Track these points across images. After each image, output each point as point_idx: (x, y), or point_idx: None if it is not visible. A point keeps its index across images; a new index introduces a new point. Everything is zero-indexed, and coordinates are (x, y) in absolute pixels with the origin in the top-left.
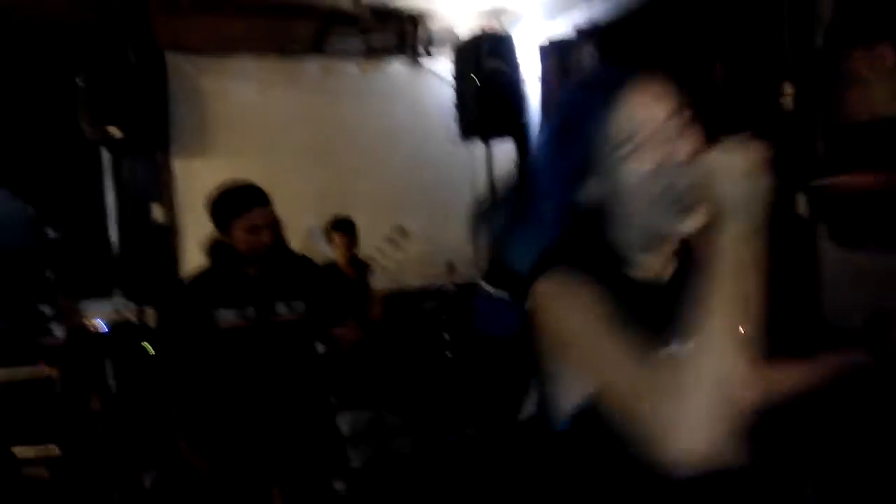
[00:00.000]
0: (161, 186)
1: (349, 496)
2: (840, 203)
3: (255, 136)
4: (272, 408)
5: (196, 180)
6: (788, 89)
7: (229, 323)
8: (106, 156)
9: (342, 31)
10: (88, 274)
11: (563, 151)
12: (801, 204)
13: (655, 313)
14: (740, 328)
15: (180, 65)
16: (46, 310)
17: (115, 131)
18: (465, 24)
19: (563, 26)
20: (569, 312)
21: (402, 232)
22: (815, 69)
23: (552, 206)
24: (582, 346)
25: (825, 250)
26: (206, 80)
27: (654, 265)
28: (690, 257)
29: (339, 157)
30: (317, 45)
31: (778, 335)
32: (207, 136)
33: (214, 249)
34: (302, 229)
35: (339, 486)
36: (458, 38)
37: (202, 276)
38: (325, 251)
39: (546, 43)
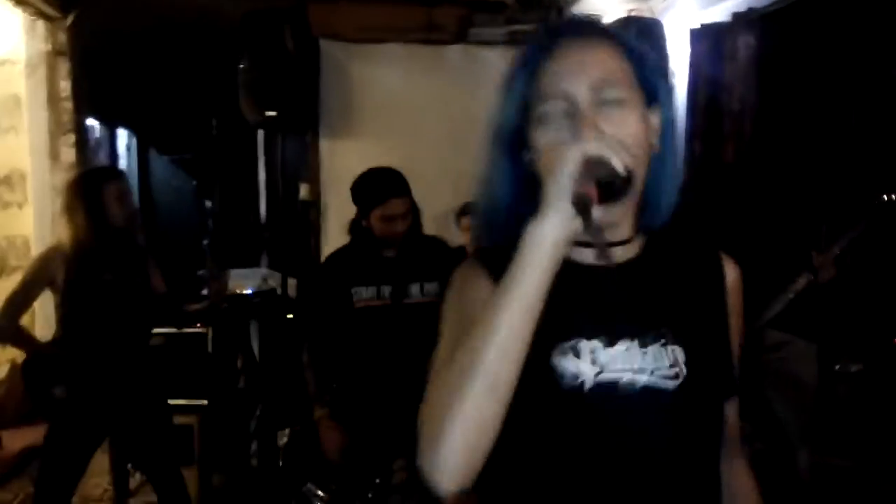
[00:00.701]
0: (308, 165)
1: None
2: None
3: (398, 120)
4: (402, 385)
5: (341, 161)
6: None
7: (364, 301)
8: (260, 136)
9: (486, 18)
10: (239, 244)
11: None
12: None
13: (601, 300)
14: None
15: (332, 51)
16: (202, 274)
17: (272, 114)
18: (614, 11)
19: (718, 14)
20: (445, 308)
21: None
22: None
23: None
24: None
25: None
26: (354, 65)
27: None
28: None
29: (478, 142)
30: (461, 33)
31: None
32: (353, 119)
33: (354, 229)
34: (439, 213)
35: None
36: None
37: (340, 254)
38: (457, 236)
39: (698, 27)
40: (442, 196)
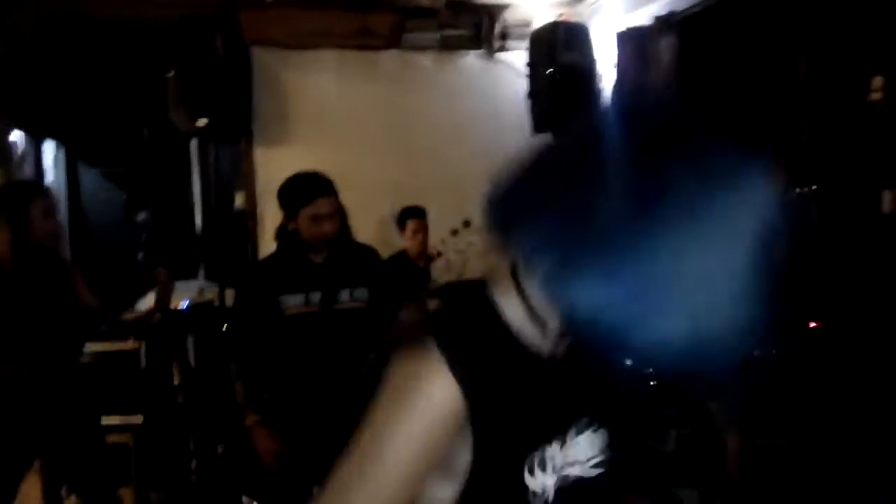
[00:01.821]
0: (242, 174)
1: None
2: None
3: (333, 126)
4: (334, 391)
5: (276, 169)
6: (878, 83)
7: (293, 308)
8: (194, 146)
9: (419, 24)
10: (174, 256)
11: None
12: (887, 202)
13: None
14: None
15: (264, 58)
16: (134, 288)
17: (203, 122)
18: (542, 16)
19: (642, 17)
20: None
21: (467, 225)
22: None
23: None
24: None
25: None
26: (287, 72)
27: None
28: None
29: (414, 148)
30: (394, 39)
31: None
32: (288, 126)
33: (282, 236)
34: (375, 218)
35: None
36: (534, 29)
37: (269, 261)
38: (397, 239)
39: (623, 31)
40: (378, 201)
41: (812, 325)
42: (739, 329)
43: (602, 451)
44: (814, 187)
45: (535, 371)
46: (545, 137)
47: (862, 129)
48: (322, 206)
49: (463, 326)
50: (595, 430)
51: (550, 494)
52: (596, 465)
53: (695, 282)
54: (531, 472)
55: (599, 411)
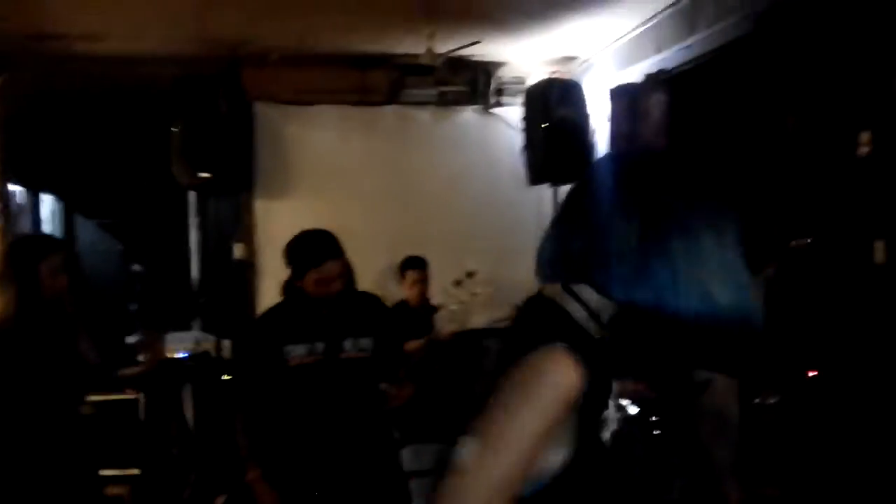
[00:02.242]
0: (243, 226)
1: None
2: None
3: (333, 180)
4: (338, 441)
5: (276, 221)
6: (865, 138)
7: (298, 358)
8: (192, 197)
9: (417, 81)
10: (170, 307)
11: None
12: (880, 253)
13: None
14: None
15: (266, 113)
16: (132, 340)
17: (205, 176)
18: (536, 73)
19: (632, 75)
20: (520, 403)
21: (470, 275)
22: (893, 117)
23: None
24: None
25: None
26: (289, 127)
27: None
28: None
29: (412, 200)
30: (393, 95)
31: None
32: (288, 179)
33: (288, 290)
34: (375, 270)
35: None
36: (528, 86)
37: (273, 312)
38: (397, 290)
39: (616, 87)
40: (378, 254)
41: (810, 373)
42: (726, 306)
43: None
44: (808, 240)
45: (600, 353)
46: (541, 188)
47: (852, 183)
48: (330, 269)
49: (562, 329)
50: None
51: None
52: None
53: (686, 277)
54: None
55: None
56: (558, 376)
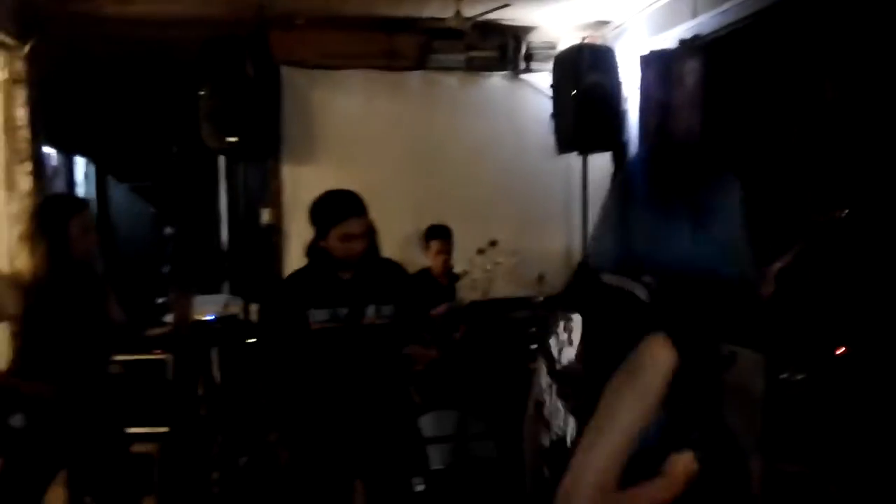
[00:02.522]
0: (270, 191)
1: (428, 495)
2: None
3: (360, 145)
4: (358, 405)
5: (303, 186)
6: None
7: (320, 322)
8: (221, 162)
9: (445, 45)
10: (200, 270)
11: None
12: None
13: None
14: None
15: (293, 77)
16: (162, 301)
17: (233, 140)
18: (567, 38)
19: (667, 41)
20: (633, 386)
21: (493, 244)
22: None
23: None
24: (609, 411)
25: None
26: (315, 91)
27: None
28: None
29: (438, 167)
30: (421, 60)
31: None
32: (315, 144)
33: (312, 252)
34: (400, 236)
35: (418, 484)
36: (559, 51)
37: (297, 276)
38: (421, 257)
39: (648, 54)
40: (403, 220)
41: (839, 351)
42: (734, 262)
43: None
44: (846, 211)
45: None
46: (569, 157)
47: (892, 152)
48: (353, 226)
49: (670, 315)
50: None
51: None
52: None
53: (700, 245)
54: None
55: None
56: (661, 362)
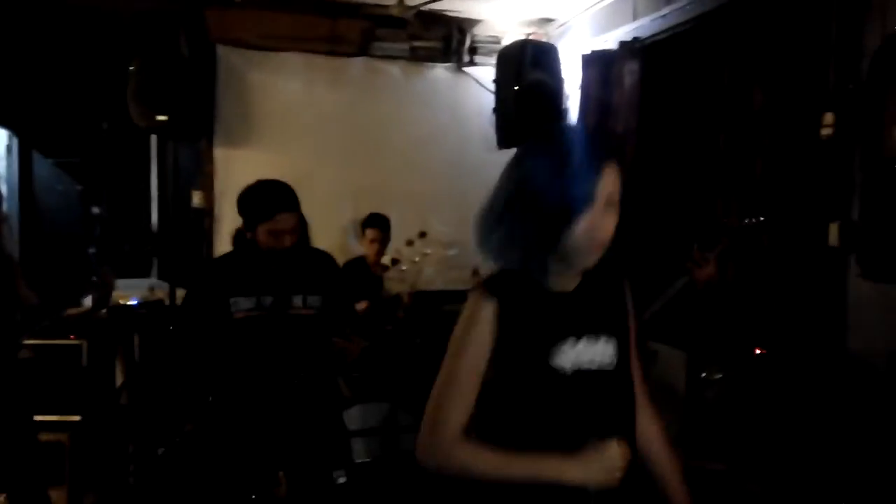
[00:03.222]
0: (202, 173)
1: (350, 488)
2: (872, 236)
3: (298, 131)
4: (281, 396)
5: (237, 169)
6: (829, 119)
7: (244, 311)
8: (153, 141)
9: (389, 34)
10: (128, 253)
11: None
12: (833, 234)
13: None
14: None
15: (229, 57)
16: (84, 283)
17: (162, 119)
18: (512, 33)
19: (608, 42)
20: (460, 324)
21: (422, 235)
22: (858, 101)
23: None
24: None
25: (855, 283)
26: (253, 73)
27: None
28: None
29: (379, 156)
30: (363, 46)
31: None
32: (251, 127)
33: (238, 240)
34: (336, 224)
35: (339, 477)
36: (503, 46)
37: (222, 261)
38: (357, 246)
39: (589, 53)
40: (341, 208)
41: (757, 351)
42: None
43: (613, 356)
44: (762, 218)
45: (546, 300)
46: (510, 152)
47: (812, 164)
48: (282, 221)
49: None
50: (607, 341)
51: (569, 372)
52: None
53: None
54: (553, 358)
55: (608, 329)
56: (479, 308)
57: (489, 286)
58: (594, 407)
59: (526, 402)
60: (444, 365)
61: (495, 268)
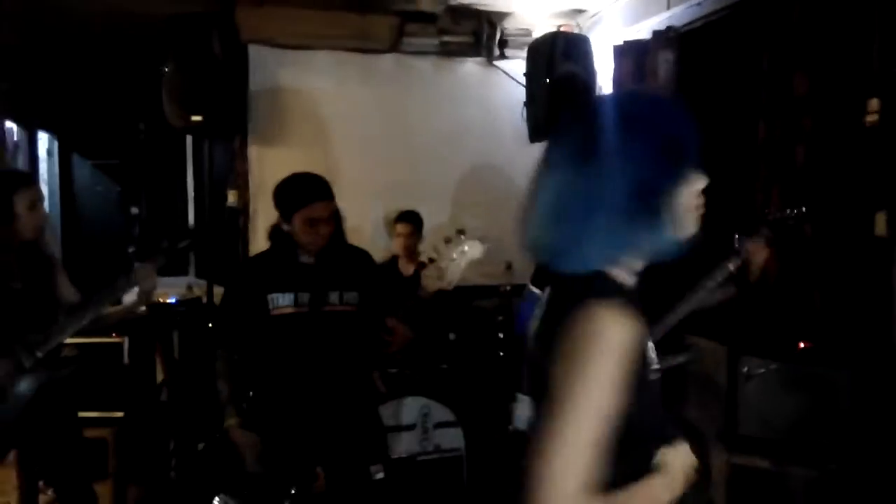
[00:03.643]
0: (236, 172)
1: (387, 483)
2: None
3: (329, 128)
4: (318, 392)
5: (270, 167)
6: (874, 105)
7: (281, 308)
8: (189, 141)
9: (419, 29)
10: (166, 251)
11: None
12: (881, 223)
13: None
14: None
15: (261, 57)
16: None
17: (197, 119)
18: (542, 25)
19: (641, 32)
20: (598, 354)
21: (461, 233)
22: None
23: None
24: (575, 385)
25: None
26: (284, 72)
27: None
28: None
29: (409, 152)
30: (393, 43)
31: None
32: (283, 125)
33: (275, 235)
34: (369, 221)
35: (377, 472)
36: (533, 39)
37: (259, 259)
38: (390, 243)
39: (622, 44)
40: (372, 204)
41: (802, 345)
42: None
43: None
44: (803, 209)
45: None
46: (541, 146)
47: (857, 151)
48: (318, 210)
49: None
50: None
51: (657, 379)
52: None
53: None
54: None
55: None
56: (612, 327)
57: (610, 298)
58: (660, 412)
59: (631, 426)
60: (565, 404)
61: (575, 269)
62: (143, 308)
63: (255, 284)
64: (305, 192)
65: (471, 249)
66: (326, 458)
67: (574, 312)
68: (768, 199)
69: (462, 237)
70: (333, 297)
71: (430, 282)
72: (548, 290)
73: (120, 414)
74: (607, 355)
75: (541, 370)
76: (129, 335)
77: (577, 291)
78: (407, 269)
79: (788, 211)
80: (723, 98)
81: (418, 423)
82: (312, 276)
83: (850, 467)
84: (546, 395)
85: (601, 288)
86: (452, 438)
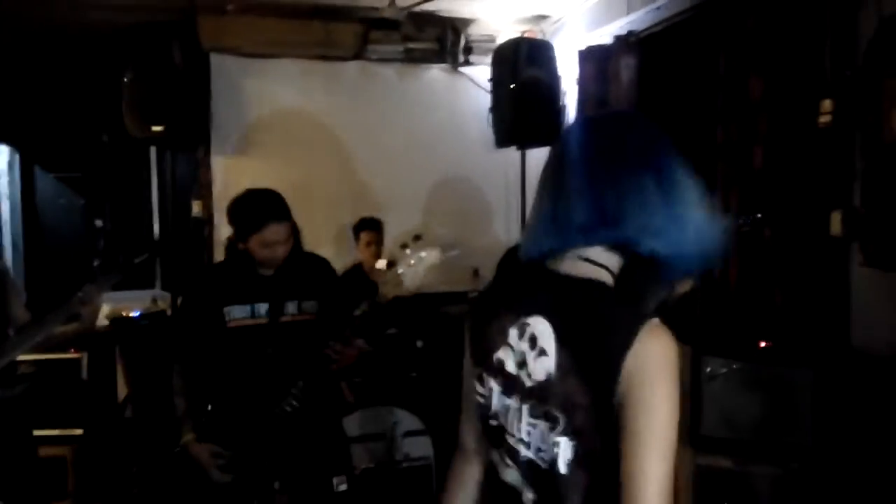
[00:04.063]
0: (200, 182)
1: (350, 496)
2: (875, 224)
3: (294, 136)
4: (275, 405)
5: (234, 177)
6: (827, 106)
7: (238, 321)
8: (153, 153)
9: (383, 36)
10: (132, 264)
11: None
12: (836, 223)
13: None
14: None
15: (223, 66)
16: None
17: (158, 129)
18: (507, 31)
19: (603, 36)
20: (670, 385)
21: (417, 238)
22: (855, 87)
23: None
24: (659, 420)
25: (857, 271)
26: (247, 80)
27: None
28: None
29: (375, 159)
30: (357, 50)
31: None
32: (247, 135)
33: (231, 250)
34: (334, 229)
35: (340, 484)
36: (498, 45)
37: (215, 270)
38: (354, 252)
39: (584, 49)
40: (338, 212)
41: (763, 344)
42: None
43: None
44: (758, 215)
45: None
46: (507, 151)
47: (812, 152)
48: (273, 232)
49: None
50: None
51: None
52: None
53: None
54: None
55: None
56: (671, 348)
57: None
58: None
59: None
60: (657, 436)
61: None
62: (103, 324)
63: (211, 296)
64: (260, 215)
65: (428, 255)
66: (287, 472)
67: (642, 336)
68: (728, 202)
69: (419, 243)
70: (291, 307)
71: (388, 288)
72: (544, 294)
73: (79, 431)
74: (676, 381)
75: (581, 394)
76: (89, 350)
77: (629, 308)
78: (374, 276)
79: (741, 221)
80: (682, 101)
81: (387, 433)
82: (270, 287)
83: (812, 465)
84: (605, 422)
85: (652, 300)
86: (421, 447)
